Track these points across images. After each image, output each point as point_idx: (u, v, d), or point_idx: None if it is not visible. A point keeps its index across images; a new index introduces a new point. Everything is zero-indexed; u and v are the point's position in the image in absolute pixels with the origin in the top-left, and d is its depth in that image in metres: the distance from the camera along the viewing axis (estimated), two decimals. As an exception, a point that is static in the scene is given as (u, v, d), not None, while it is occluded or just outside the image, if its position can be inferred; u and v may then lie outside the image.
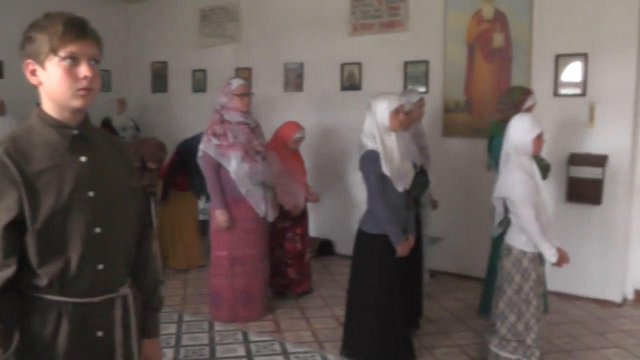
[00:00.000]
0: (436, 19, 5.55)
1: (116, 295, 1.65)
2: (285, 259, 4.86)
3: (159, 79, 8.21)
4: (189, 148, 5.25)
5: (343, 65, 6.24)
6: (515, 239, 3.18)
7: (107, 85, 8.08)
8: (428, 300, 4.68)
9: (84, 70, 1.51)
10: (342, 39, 6.20)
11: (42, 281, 1.54)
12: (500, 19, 5.22)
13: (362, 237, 3.44)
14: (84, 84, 1.52)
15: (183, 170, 5.50)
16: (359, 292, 3.47)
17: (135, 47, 8.40)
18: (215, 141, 4.24)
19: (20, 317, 1.54)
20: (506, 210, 3.30)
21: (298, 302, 4.86)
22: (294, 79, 6.67)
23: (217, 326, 4.32)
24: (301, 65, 6.59)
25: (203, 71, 7.58)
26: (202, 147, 4.30)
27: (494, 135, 4.12)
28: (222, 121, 4.33)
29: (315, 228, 6.13)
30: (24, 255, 1.53)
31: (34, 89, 1.60)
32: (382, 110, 3.30)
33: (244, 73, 6.96)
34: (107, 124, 7.35)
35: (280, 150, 4.83)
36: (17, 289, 1.54)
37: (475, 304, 4.71)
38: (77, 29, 1.51)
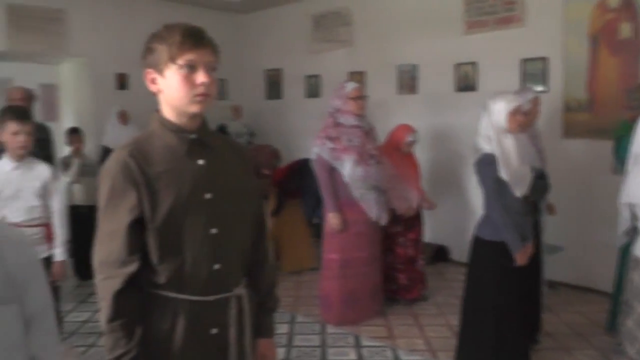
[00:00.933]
0: (555, 11, 5.25)
1: (231, 295, 1.68)
2: (395, 264, 4.80)
3: (273, 85, 8.41)
4: (308, 170, 5.34)
5: (457, 66, 6.07)
6: (647, 250, 2.93)
7: (222, 94, 8.40)
8: (547, 313, 4.43)
9: (201, 77, 1.57)
10: (455, 38, 6.04)
11: (161, 278, 1.61)
12: (628, 7, 4.83)
13: (479, 244, 3.30)
14: (201, 90, 1.57)
15: (297, 187, 5.59)
16: (475, 302, 3.34)
17: (249, 56, 8.66)
18: (329, 144, 4.28)
19: (142, 311, 1.61)
20: (633, 217, 3.04)
21: (411, 308, 4.77)
22: (408, 80, 6.59)
23: (329, 329, 4.34)
24: (414, 66, 6.49)
25: (316, 76, 7.68)
26: (316, 150, 4.35)
27: (622, 136, 3.83)
28: (336, 124, 4.36)
29: (430, 234, 6.02)
30: (145, 253, 1.60)
31: (154, 100, 1.67)
32: (499, 110, 3.16)
33: (357, 77, 6.97)
34: (222, 130, 7.62)
35: (393, 154, 4.79)
36: (139, 285, 1.61)
37: (598, 319, 4.42)
38: (194, 38, 1.57)
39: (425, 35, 6.32)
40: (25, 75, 8.29)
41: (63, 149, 6.30)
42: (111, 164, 1.61)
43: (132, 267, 1.57)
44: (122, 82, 7.28)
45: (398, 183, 4.72)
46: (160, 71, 1.60)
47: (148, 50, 1.62)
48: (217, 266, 1.64)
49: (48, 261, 3.29)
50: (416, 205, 4.84)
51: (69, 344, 4.07)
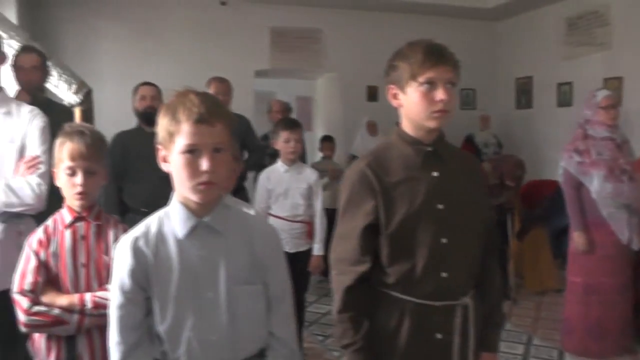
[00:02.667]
0: None
1: (457, 304, 1.73)
2: (649, 295, 4.27)
3: (524, 94, 8.08)
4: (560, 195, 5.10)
5: None
6: None
7: (472, 104, 8.32)
8: None
9: (440, 94, 1.63)
10: None
11: (390, 279, 1.72)
12: None
13: None
14: (439, 106, 1.64)
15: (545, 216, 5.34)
16: None
17: (500, 64, 8.44)
18: (576, 158, 4.00)
19: (370, 308, 1.74)
20: None
21: (669, 348, 4.20)
22: (677, 87, 5.83)
23: (568, 358, 4.06)
24: (683, 71, 5.71)
25: (569, 84, 7.18)
26: (562, 164, 4.10)
27: None
28: (586, 136, 4.05)
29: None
30: (377, 255, 1.73)
31: (396, 111, 1.79)
32: None
33: (614, 83, 6.34)
34: (469, 140, 7.55)
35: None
36: (369, 283, 1.74)
37: None
38: (435, 56, 1.65)
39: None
40: (284, 89, 9.23)
41: (315, 156, 6.85)
42: (351, 173, 1.78)
43: (364, 267, 1.72)
44: (372, 94, 7.64)
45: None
46: (401, 87, 1.70)
47: (391, 67, 1.74)
48: (444, 274, 1.70)
49: (307, 254, 3.67)
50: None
51: (309, 331, 4.44)
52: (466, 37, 8.10)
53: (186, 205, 1.49)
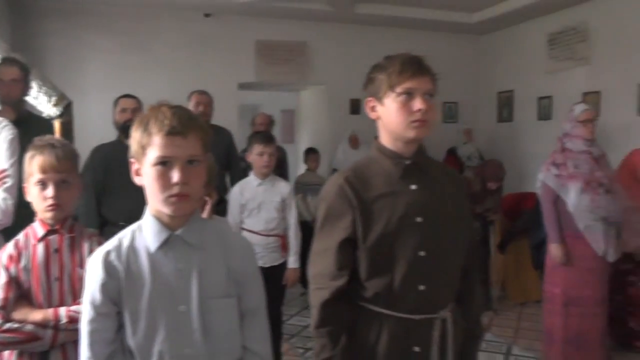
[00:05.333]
0: None
1: (436, 317, 1.74)
2: (626, 306, 4.32)
3: (505, 107, 8.17)
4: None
5: None
6: None
7: (454, 117, 8.40)
8: None
9: (418, 103, 1.66)
10: None
11: (368, 293, 1.73)
12: None
13: None
14: (417, 116, 1.67)
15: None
16: None
17: (483, 78, 8.54)
18: (554, 171, 4.05)
19: (348, 322, 1.76)
20: None
21: (642, 357, 4.27)
22: (651, 101, 5.91)
23: (547, 367, 4.09)
24: (658, 84, 5.80)
25: (549, 98, 7.27)
26: (541, 176, 4.15)
27: None
28: (564, 150, 4.11)
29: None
30: (354, 269, 1.74)
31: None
32: None
33: (593, 97, 6.43)
34: (452, 153, 7.62)
35: (630, 182, 4.35)
36: (348, 297, 1.76)
37: None
38: (413, 68, 1.68)
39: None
40: (270, 102, 9.28)
41: (298, 168, 6.86)
42: (329, 188, 1.80)
43: (342, 281, 1.73)
44: (355, 107, 7.70)
45: (634, 216, 4.27)
46: (379, 99, 1.73)
47: (369, 80, 1.77)
48: (422, 287, 1.71)
49: (282, 268, 3.67)
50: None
51: (290, 344, 4.44)
52: (449, 51, 8.21)
53: (159, 218, 1.49)
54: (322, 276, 1.75)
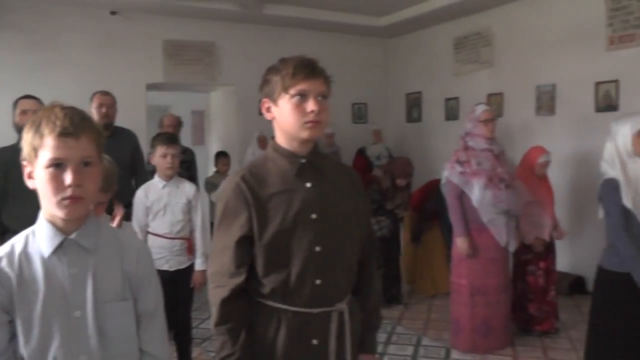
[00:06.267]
0: None
1: (333, 310, 1.77)
2: (526, 293, 4.57)
3: (414, 108, 8.44)
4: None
5: (598, 84, 5.71)
6: None
7: (364, 117, 8.58)
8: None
9: (311, 105, 1.68)
10: (597, 55, 5.70)
11: (266, 289, 1.75)
12: None
13: (603, 276, 3.04)
14: (311, 117, 1.69)
15: (436, 209, 5.55)
16: (599, 338, 3.08)
17: (392, 80, 8.78)
18: (459, 168, 4.23)
19: (248, 319, 1.76)
20: None
21: (542, 340, 4.50)
22: (547, 101, 6.30)
23: (454, 354, 4.27)
24: (554, 86, 6.21)
25: (456, 99, 7.60)
26: (445, 174, 4.32)
27: None
28: (466, 148, 4.30)
29: (568, 263, 5.71)
30: (252, 266, 1.75)
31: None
32: (624, 133, 2.93)
33: (496, 98, 6.81)
34: (361, 153, 7.77)
35: (528, 178, 4.59)
36: (247, 294, 1.77)
37: None
38: (306, 70, 1.70)
39: (566, 53, 6.04)
40: (179, 103, 9.10)
41: (208, 171, 6.78)
42: (226, 186, 1.80)
43: (240, 279, 1.73)
44: (264, 107, 7.66)
45: (533, 209, 4.52)
46: (274, 100, 1.75)
47: (264, 81, 1.79)
48: (318, 281, 1.74)
49: (189, 270, 3.60)
50: (549, 234, 4.59)
51: (202, 348, 4.38)
52: (358, 53, 8.38)
53: (53, 222, 1.44)
54: (221, 274, 1.75)
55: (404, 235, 6.01)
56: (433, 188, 5.77)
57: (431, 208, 5.75)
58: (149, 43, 6.97)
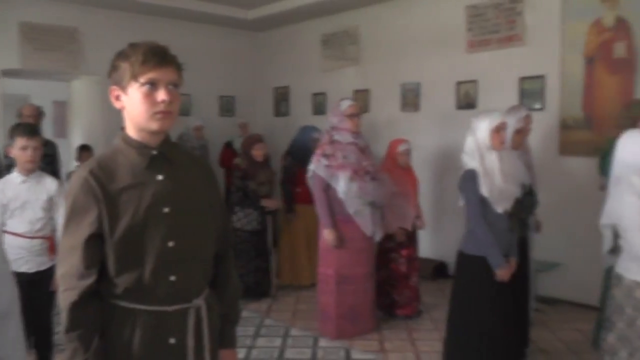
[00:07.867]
0: (554, 31, 5.35)
1: (190, 306, 1.72)
2: (390, 280, 4.83)
3: (282, 103, 8.54)
4: (299, 143, 5.64)
5: (459, 84, 6.16)
6: (627, 268, 2.93)
7: (231, 110, 8.55)
8: (543, 330, 4.48)
9: (161, 94, 1.61)
10: (458, 57, 6.15)
11: (118, 289, 1.65)
12: (622, 26, 4.91)
13: (462, 259, 3.35)
14: (161, 107, 1.62)
15: (301, 175, 5.59)
16: (459, 316, 3.37)
17: (260, 73, 8.81)
18: (324, 161, 4.34)
19: (101, 322, 1.66)
20: (616, 236, 3.04)
21: (407, 323, 4.78)
22: (412, 98, 6.67)
23: (322, 342, 4.38)
24: (418, 84, 6.59)
25: (323, 94, 7.79)
26: (312, 167, 4.42)
27: (608, 152, 3.84)
28: (332, 141, 4.42)
29: (431, 249, 6.10)
30: (103, 265, 1.65)
31: None
32: (483, 128, 3.24)
33: (362, 95, 7.07)
34: (229, 146, 7.76)
35: (393, 170, 4.82)
36: (98, 296, 1.66)
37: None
38: (156, 57, 1.62)
39: (429, 54, 6.44)
40: (40, 92, 8.55)
41: (71, 165, 6.44)
42: (73, 182, 1.67)
43: (90, 280, 1.62)
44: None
45: (398, 200, 4.76)
46: (123, 88, 1.65)
47: (113, 67, 1.67)
48: (173, 278, 1.67)
49: (51, 271, 3.38)
50: (411, 224, 4.86)
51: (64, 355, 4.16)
52: (226, 45, 8.32)
53: None
54: (70, 276, 1.63)
55: (278, 226, 6.06)
56: (286, 153, 6.01)
57: (290, 165, 5.87)
58: (3, 24, 6.44)
